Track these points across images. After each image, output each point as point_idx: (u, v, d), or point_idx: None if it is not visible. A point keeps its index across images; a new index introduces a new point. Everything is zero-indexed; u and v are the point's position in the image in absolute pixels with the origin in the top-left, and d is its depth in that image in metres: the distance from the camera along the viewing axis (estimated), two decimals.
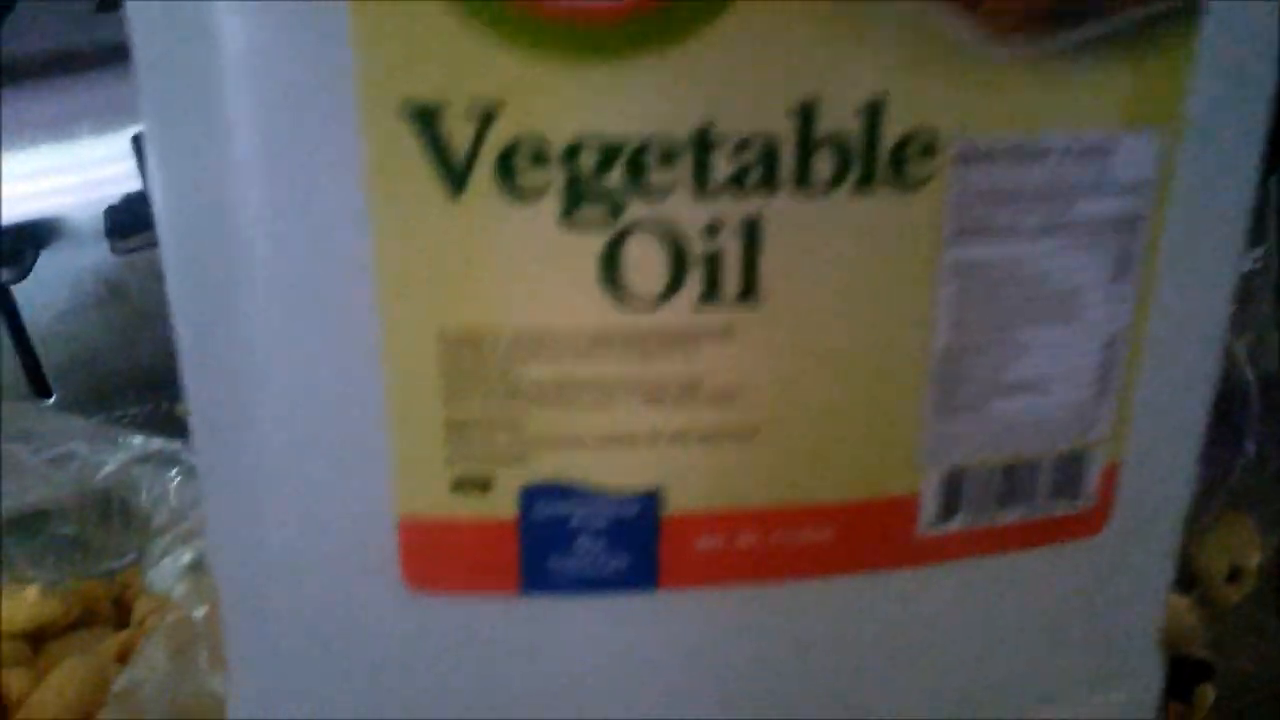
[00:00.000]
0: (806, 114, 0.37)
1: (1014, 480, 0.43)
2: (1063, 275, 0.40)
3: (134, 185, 0.84)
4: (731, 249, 0.38)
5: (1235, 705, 0.67)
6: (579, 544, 0.42)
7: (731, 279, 0.38)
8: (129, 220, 0.83)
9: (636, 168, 0.37)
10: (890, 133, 0.37)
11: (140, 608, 0.71)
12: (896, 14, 0.36)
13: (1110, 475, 0.45)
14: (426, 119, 0.36)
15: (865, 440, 0.42)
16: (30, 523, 0.73)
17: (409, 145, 0.36)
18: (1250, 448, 0.72)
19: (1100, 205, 0.40)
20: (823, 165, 0.37)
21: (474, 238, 0.37)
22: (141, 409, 0.89)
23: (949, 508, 0.43)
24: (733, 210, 0.38)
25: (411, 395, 0.39)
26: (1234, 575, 0.73)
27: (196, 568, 0.68)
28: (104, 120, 0.83)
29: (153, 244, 0.79)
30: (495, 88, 0.36)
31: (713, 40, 0.36)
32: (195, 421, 0.42)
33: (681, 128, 0.36)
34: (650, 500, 0.41)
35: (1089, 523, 0.45)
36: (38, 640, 0.69)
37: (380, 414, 0.39)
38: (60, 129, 0.82)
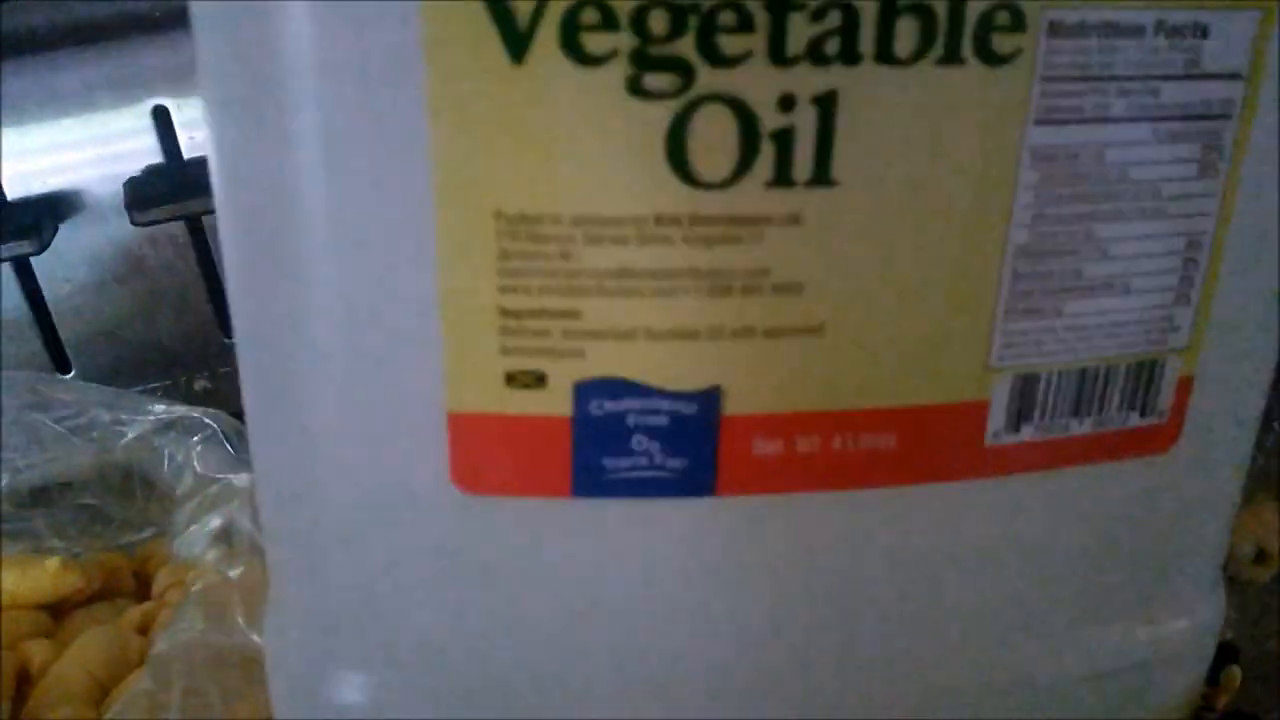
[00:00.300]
0: None
1: (1087, 388, 0.42)
2: (1148, 168, 0.39)
3: (155, 158, 0.83)
4: (805, 125, 0.36)
5: (1263, 687, 0.66)
6: (634, 444, 0.41)
7: (804, 159, 0.37)
8: (149, 193, 0.82)
9: (708, 32, 0.35)
10: (976, 2, 0.36)
11: (161, 580, 0.71)
12: None
13: (1184, 389, 0.43)
14: None
15: (935, 340, 0.40)
16: (52, 493, 0.73)
17: (470, 6, 0.34)
18: (1277, 428, 0.72)
19: (1190, 92, 0.38)
20: (905, 35, 0.36)
21: (536, 108, 0.36)
22: (161, 383, 0.89)
23: (1020, 415, 0.42)
24: (809, 82, 0.36)
25: (465, 281, 0.38)
26: (1260, 557, 0.72)
27: (226, 533, 0.67)
28: (125, 92, 0.82)
29: (173, 217, 0.79)
30: None
31: None
32: (239, 315, 0.41)
33: None
34: (710, 399, 0.40)
35: (1159, 438, 0.44)
36: (58, 611, 0.69)
37: (432, 302, 0.38)
38: (81, 101, 0.82)
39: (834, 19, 0.35)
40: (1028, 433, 0.42)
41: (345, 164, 0.37)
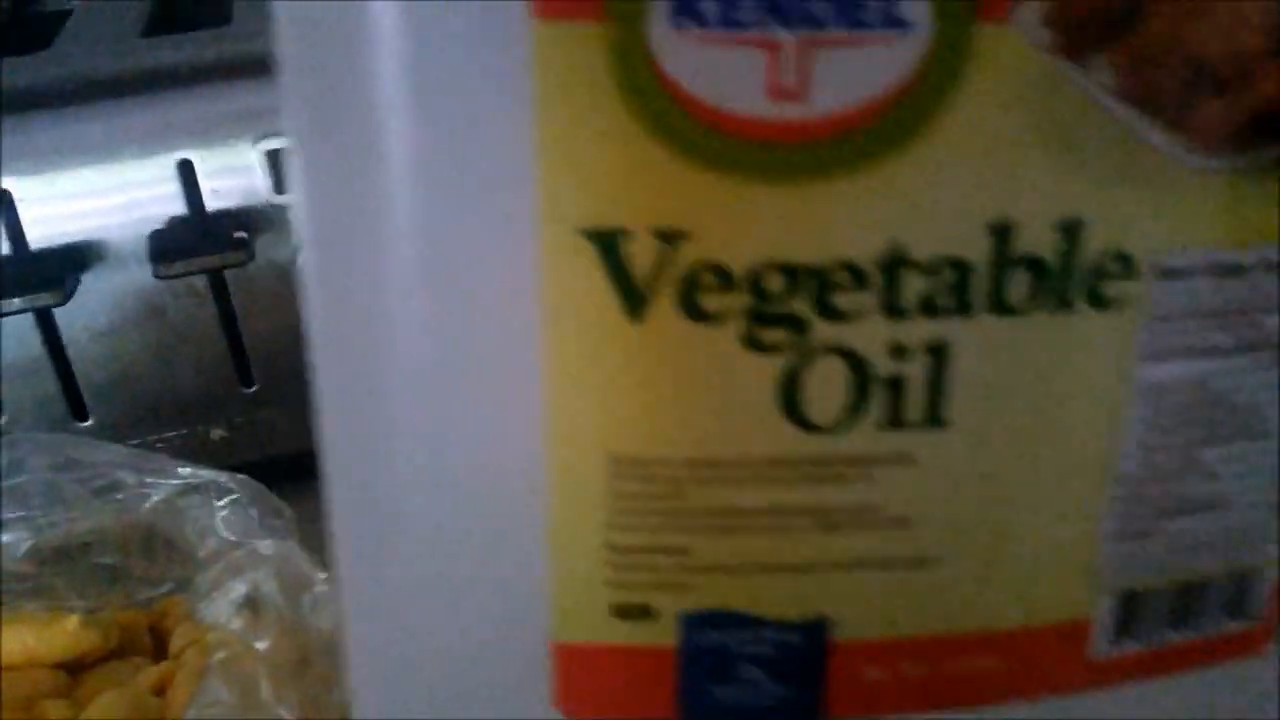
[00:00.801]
0: (1002, 235, 0.35)
1: (1187, 600, 0.42)
2: (1249, 393, 0.39)
3: (176, 209, 0.83)
4: (917, 373, 0.37)
5: None
6: (741, 673, 0.41)
7: (916, 403, 0.37)
8: (174, 246, 0.82)
9: (822, 291, 0.36)
10: (1088, 252, 0.36)
11: (178, 639, 0.70)
12: (1100, 131, 0.35)
13: (1278, 593, 0.44)
14: (609, 240, 0.35)
15: (1041, 566, 0.40)
16: (73, 552, 0.72)
17: (589, 265, 0.35)
18: None
19: None
20: (1017, 287, 0.36)
21: (650, 360, 0.36)
22: (178, 433, 0.89)
23: (1122, 631, 0.42)
24: (921, 333, 0.36)
25: (574, 518, 0.38)
26: None
27: (252, 601, 0.67)
28: (148, 144, 0.82)
29: (197, 270, 0.79)
30: (681, 209, 0.35)
31: (907, 162, 0.34)
32: (338, 532, 0.41)
33: (870, 251, 0.35)
34: (818, 629, 0.40)
35: (1255, 641, 0.44)
36: (75, 670, 0.68)
37: (540, 535, 0.39)
38: (105, 152, 0.81)
39: (946, 275, 0.36)
40: (1129, 646, 0.42)
41: (457, 392, 0.38)
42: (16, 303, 0.79)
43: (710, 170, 0.34)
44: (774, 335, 0.36)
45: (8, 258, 0.79)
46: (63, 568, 0.71)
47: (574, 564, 0.39)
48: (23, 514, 0.71)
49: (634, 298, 0.35)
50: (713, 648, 0.40)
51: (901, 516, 0.39)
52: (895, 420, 0.37)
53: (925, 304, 0.36)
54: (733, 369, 0.36)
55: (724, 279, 0.35)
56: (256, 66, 0.81)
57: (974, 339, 0.37)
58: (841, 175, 0.34)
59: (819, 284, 0.35)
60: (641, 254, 0.35)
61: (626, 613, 0.39)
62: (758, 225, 0.35)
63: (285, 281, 0.84)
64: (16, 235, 0.79)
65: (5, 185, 0.78)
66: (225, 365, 0.87)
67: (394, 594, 0.41)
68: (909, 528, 0.39)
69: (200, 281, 0.84)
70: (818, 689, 0.41)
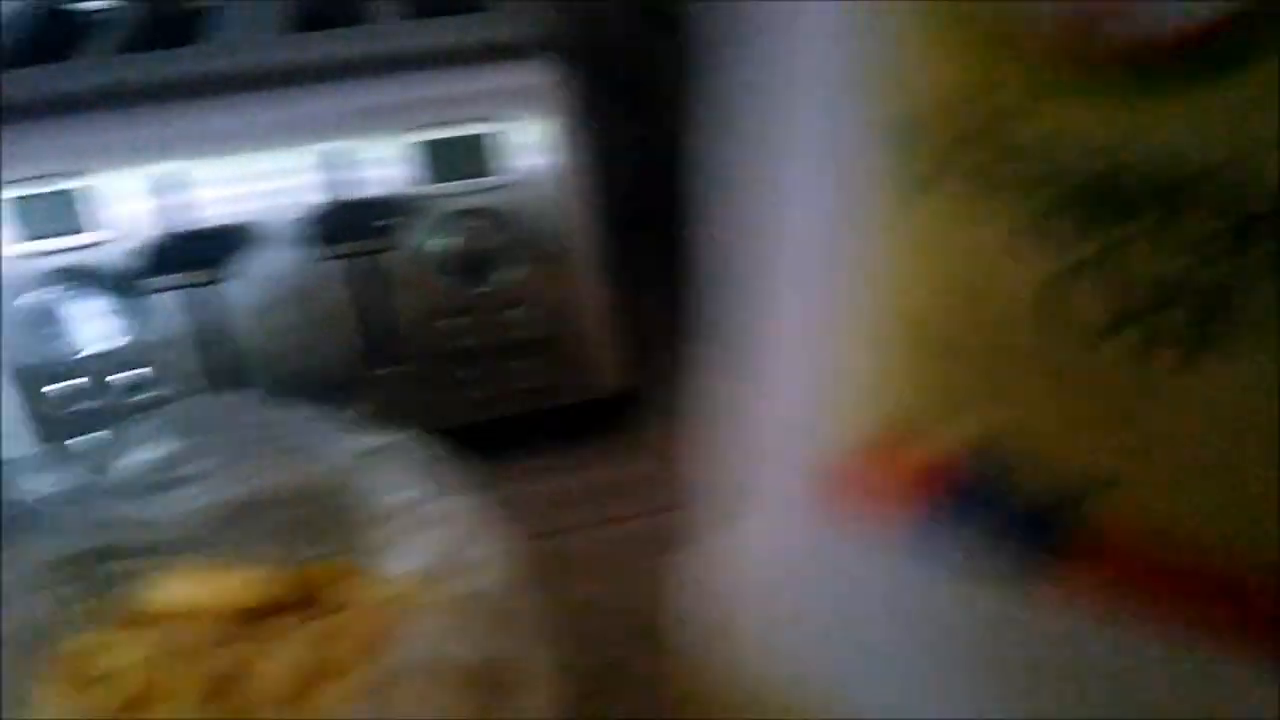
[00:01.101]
0: None
1: None
2: None
3: (321, 196, 0.88)
4: (1192, 304, 0.37)
5: None
6: (996, 504, 0.43)
7: (1185, 330, 0.38)
8: (323, 230, 0.88)
9: (1093, 213, 0.37)
10: None
11: (348, 594, 0.72)
12: None
13: None
14: (910, 124, 0.39)
15: None
16: (248, 508, 0.74)
17: (889, 145, 0.39)
18: None
19: None
20: None
21: (935, 236, 0.40)
22: (316, 409, 0.92)
23: None
24: (1194, 271, 0.37)
25: (857, 364, 0.43)
26: None
27: (431, 556, 0.68)
28: (302, 134, 0.88)
29: (343, 254, 0.84)
30: (986, 101, 0.38)
31: (1238, 85, 0.35)
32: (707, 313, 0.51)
33: (1166, 171, 0.36)
34: (1080, 494, 0.42)
35: None
36: (251, 619, 0.70)
37: (827, 375, 0.45)
38: (265, 140, 0.87)
39: (1224, 220, 0.36)
40: None
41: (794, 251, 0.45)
42: (178, 278, 0.86)
43: (1026, 68, 0.37)
44: (1049, 241, 0.38)
45: (174, 236, 0.86)
46: (238, 523, 0.73)
47: (852, 397, 0.44)
48: (202, 471, 0.73)
49: (925, 178, 0.39)
50: (973, 479, 0.44)
51: (1163, 427, 0.40)
52: (1159, 342, 0.38)
53: (1200, 245, 0.37)
54: (1003, 265, 0.39)
55: (996, 182, 0.38)
56: (403, 63, 0.88)
57: (1249, 279, 0.36)
58: (1156, 92, 0.36)
59: (1088, 202, 0.37)
60: (934, 138, 0.38)
61: (894, 437, 0.44)
62: (1065, 128, 0.37)
63: (422, 267, 0.89)
64: (184, 216, 0.86)
65: (179, 168, 0.85)
66: (363, 346, 0.92)
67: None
68: (1174, 440, 0.40)
69: (346, 265, 0.89)
70: (1062, 545, 0.43)
